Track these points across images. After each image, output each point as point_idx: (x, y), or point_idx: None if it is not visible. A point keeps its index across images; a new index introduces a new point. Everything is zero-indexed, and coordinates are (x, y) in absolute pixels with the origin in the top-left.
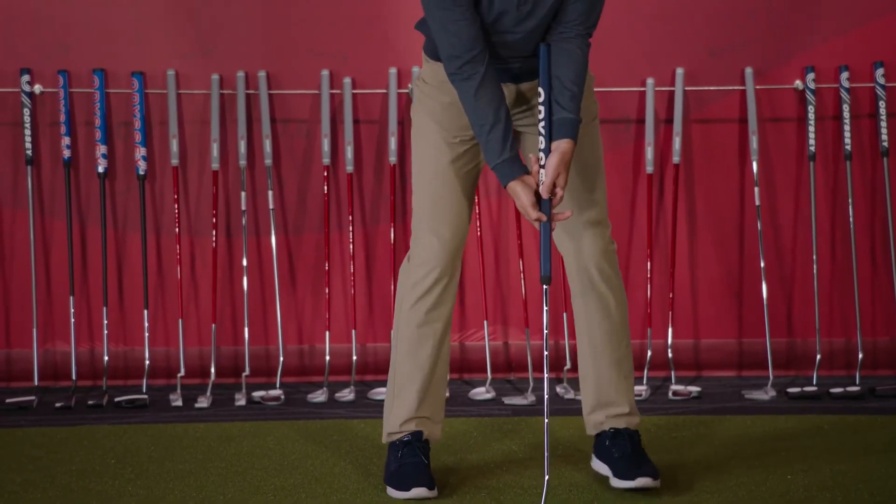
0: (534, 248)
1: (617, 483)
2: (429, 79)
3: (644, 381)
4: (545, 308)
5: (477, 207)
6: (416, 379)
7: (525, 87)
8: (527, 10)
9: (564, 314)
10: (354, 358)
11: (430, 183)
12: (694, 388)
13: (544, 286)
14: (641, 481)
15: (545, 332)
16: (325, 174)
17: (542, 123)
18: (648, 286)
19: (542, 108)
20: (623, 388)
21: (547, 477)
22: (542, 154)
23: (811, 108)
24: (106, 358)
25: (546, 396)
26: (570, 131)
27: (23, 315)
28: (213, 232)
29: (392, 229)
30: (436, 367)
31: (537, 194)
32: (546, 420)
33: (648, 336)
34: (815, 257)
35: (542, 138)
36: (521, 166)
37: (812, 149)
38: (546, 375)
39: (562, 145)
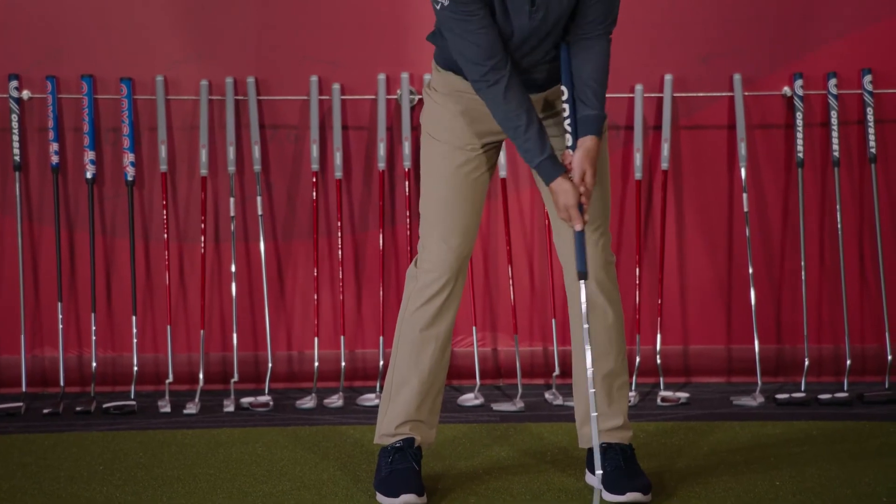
0: (523, 254)
1: (608, 497)
2: (439, 87)
3: (633, 388)
4: (584, 303)
5: None
6: (415, 382)
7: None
8: (539, 17)
9: (553, 320)
10: (343, 364)
11: (439, 189)
12: (682, 395)
13: (581, 281)
14: (631, 496)
15: (585, 326)
16: (314, 180)
17: (568, 121)
18: (637, 292)
19: (566, 105)
20: (616, 401)
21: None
22: (569, 151)
23: (799, 115)
24: (94, 364)
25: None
26: (594, 128)
27: (11, 321)
28: (202, 238)
29: (381, 235)
30: (435, 372)
31: None
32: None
33: (637, 342)
34: (803, 264)
35: (568, 136)
36: (561, 165)
37: (800, 155)
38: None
39: (586, 142)
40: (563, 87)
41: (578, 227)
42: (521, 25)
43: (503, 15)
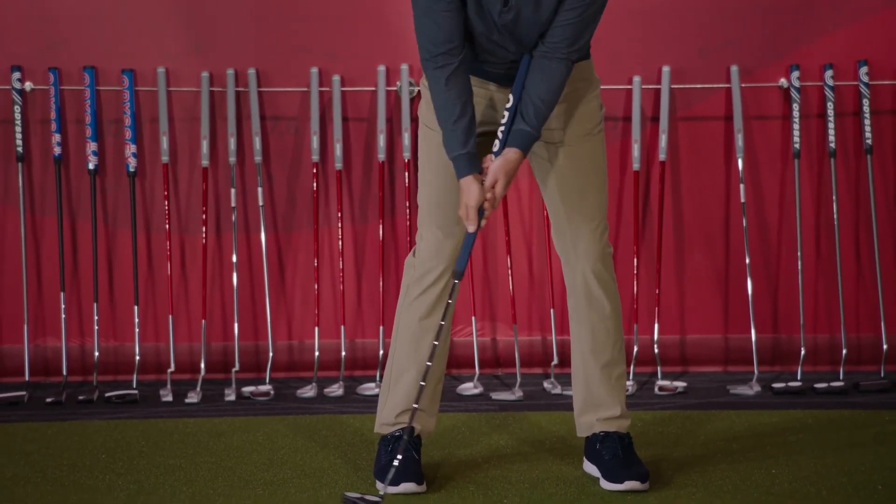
0: (522, 245)
1: (606, 485)
2: None
3: (630, 377)
4: (449, 301)
5: None
6: (414, 371)
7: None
8: (509, 18)
9: (552, 310)
10: (343, 353)
11: (436, 178)
12: (680, 384)
13: (455, 281)
14: (629, 484)
15: (441, 322)
16: (315, 171)
17: (502, 128)
18: (635, 282)
19: (506, 112)
20: (614, 390)
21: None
22: (492, 156)
23: (796, 106)
24: (96, 353)
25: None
26: (523, 143)
27: (13, 311)
28: (203, 228)
29: (381, 226)
30: (435, 361)
31: None
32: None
33: (635, 332)
34: (799, 254)
35: (497, 141)
36: (478, 165)
37: (797, 146)
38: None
39: (509, 153)
40: (511, 95)
41: (471, 230)
42: (489, 22)
43: (475, 6)
